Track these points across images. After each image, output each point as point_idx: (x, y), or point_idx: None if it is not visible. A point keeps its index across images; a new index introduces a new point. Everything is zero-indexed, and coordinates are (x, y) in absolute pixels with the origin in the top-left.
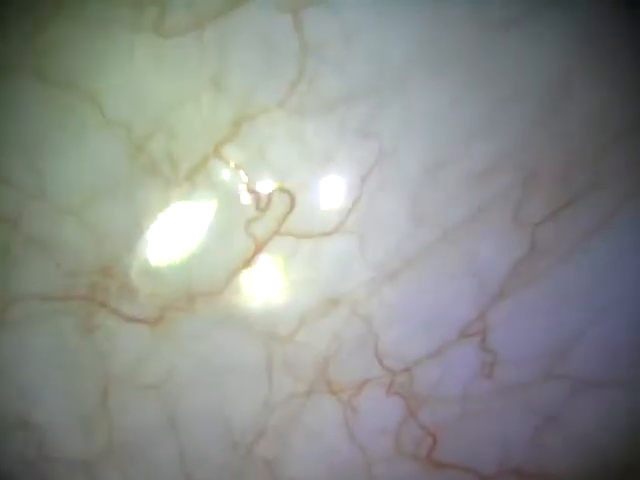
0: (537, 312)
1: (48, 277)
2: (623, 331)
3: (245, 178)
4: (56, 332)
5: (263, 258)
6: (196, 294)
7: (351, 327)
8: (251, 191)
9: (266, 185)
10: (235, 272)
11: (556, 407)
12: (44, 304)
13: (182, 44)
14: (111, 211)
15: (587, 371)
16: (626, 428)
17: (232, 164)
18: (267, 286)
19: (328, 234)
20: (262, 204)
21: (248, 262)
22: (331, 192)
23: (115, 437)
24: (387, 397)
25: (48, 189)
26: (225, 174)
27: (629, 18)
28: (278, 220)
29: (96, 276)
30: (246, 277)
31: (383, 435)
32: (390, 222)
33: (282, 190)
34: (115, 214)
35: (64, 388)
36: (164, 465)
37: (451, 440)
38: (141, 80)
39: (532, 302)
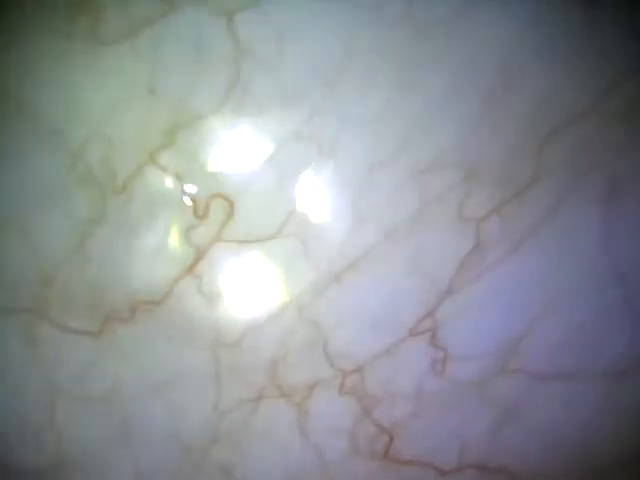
0: (487, 307)
1: None
2: (574, 322)
3: (182, 185)
4: (3, 342)
5: (205, 265)
6: (137, 304)
7: (299, 330)
8: (189, 198)
9: (204, 191)
10: (176, 280)
11: (512, 401)
12: None
13: (116, 52)
14: (50, 221)
15: (541, 364)
16: (587, 419)
17: (169, 171)
18: (210, 293)
19: (270, 238)
20: (201, 211)
21: (189, 270)
22: (270, 196)
23: (65, 448)
24: (339, 397)
25: None
26: (162, 181)
27: (570, 5)
28: (218, 226)
29: (37, 288)
30: (188, 285)
31: (338, 436)
32: (332, 224)
33: (221, 196)
34: (54, 224)
35: (10, 399)
36: (118, 475)
37: (408, 437)
38: (76, 89)
39: (481, 297)
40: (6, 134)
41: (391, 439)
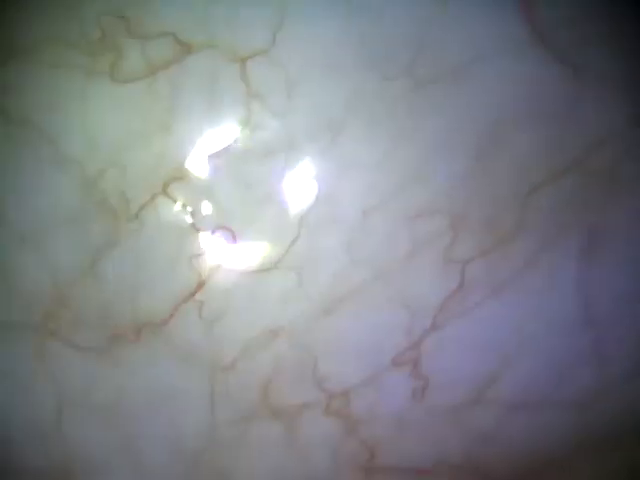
0: (467, 342)
1: (4, 303)
2: (547, 359)
3: (190, 216)
4: (12, 356)
5: (206, 291)
6: (142, 324)
7: (291, 355)
8: (196, 228)
9: (210, 223)
10: (179, 304)
11: (488, 428)
12: (3, 328)
13: (135, 89)
14: (65, 242)
15: (518, 394)
16: (559, 445)
17: (179, 202)
18: (210, 317)
19: (268, 269)
20: (206, 240)
21: (192, 295)
22: (271, 231)
23: (70, 454)
24: (326, 417)
25: (7, 216)
26: (172, 211)
27: (558, 69)
28: (221, 256)
29: (49, 305)
30: (190, 309)
31: (324, 452)
32: (327, 259)
33: (225, 228)
34: (69, 245)
35: (20, 407)
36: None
37: (388, 455)
38: (95, 120)
39: (463, 333)
40: (25, 158)
41: (372, 456)
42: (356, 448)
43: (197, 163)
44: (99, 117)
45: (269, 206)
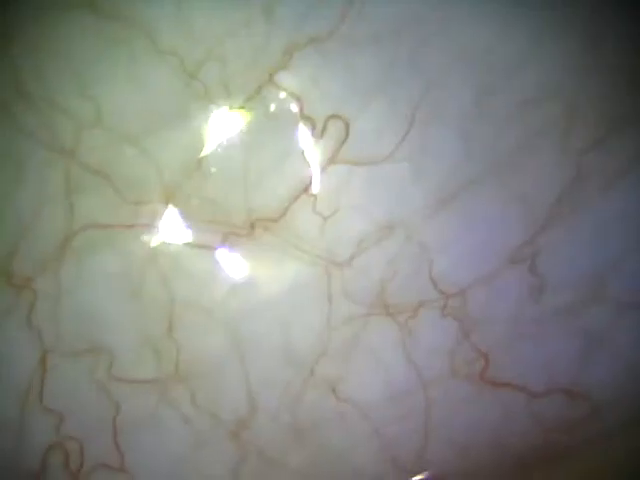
0: (582, 238)
1: (111, 206)
2: None
3: (300, 105)
4: (121, 259)
5: (320, 185)
6: (255, 220)
7: (406, 252)
8: (306, 119)
9: (321, 112)
10: (292, 199)
11: (601, 329)
12: (109, 232)
13: None
14: (168, 139)
15: (629, 294)
16: None
17: (286, 92)
18: (324, 213)
19: (382, 161)
20: (317, 132)
21: (305, 189)
22: (384, 120)
23: (182, 359)
24: (442, 319)
25: (104, 118)
26: (279, 102)
27: None
28: (333, 147)
29: (158, 205)
30: (303, 204)
31: (438, 356)
32: (441, 151)
33: (336, 118)
34: (172, 142)
35: (131, 312)
36: (230, 387)
37: (502, 361)
38: (192, 9)
39: (577, 229)
40: (122, 54)
41: (487, 362)
42: (471, 354)
43: (302, 51)
44: (196, 5)
45: (380, 96)
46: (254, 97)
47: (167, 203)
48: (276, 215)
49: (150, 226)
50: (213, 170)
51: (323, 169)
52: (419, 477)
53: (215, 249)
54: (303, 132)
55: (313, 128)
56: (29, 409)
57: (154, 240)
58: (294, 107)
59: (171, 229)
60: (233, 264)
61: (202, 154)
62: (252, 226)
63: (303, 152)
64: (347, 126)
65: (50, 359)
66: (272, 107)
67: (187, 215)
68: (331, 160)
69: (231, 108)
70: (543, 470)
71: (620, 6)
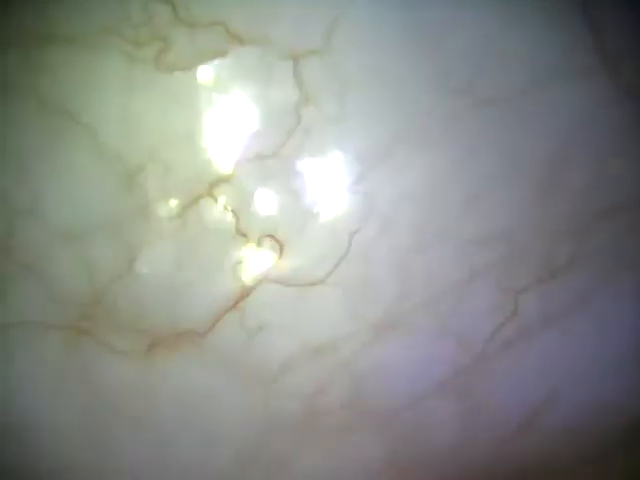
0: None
1: (41, 304)
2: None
3: (237, 221)
4: (45, 356)
5: (249, 302)
6: (182, 332)
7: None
8: (241, 234)
9: (257, 230)
10: (221, 314)
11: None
12: (39, 329)
13: (180, 81)
14: (102, 242)
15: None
16: None
17: (224, 205)
18: (252, 330)
19: (315, 284)
20: (251, 248)
21: (234, 305)
22: (320, 245)
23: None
24: None
25: (46, 211)
26: (216, 214)
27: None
28: (266, 266)
29: (86, 306)
30: (231, 320)
31: None
32: (377, 283)
33: (272, 237)
34: (106, 246)
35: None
36: None
37: None
38: (137, 113)
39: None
40: (64, 148)
41: None
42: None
43: (245, 166)
44: (141, 108)
45: (319, 218)
46: (191, 206)
47: (95, 305)
48: (203, 329)
49: (75, 326)
50: (143, 276)
51: (254, 287)
52: None
53: (140, 357)
54: (236, 247)
55: (247, 245)
56: None
57: (80, 341)
58: (230, 222)
59: (97, 332)
60: (157, 373)
61: (135, 259)
62: (178, 337)
63: (234, 268)
64: (281, 246)
65: None
66: (208, 219)
67: (113, 321)
68: (263, 278)
69: (168, 215)
70: None
71: (571, 153)
